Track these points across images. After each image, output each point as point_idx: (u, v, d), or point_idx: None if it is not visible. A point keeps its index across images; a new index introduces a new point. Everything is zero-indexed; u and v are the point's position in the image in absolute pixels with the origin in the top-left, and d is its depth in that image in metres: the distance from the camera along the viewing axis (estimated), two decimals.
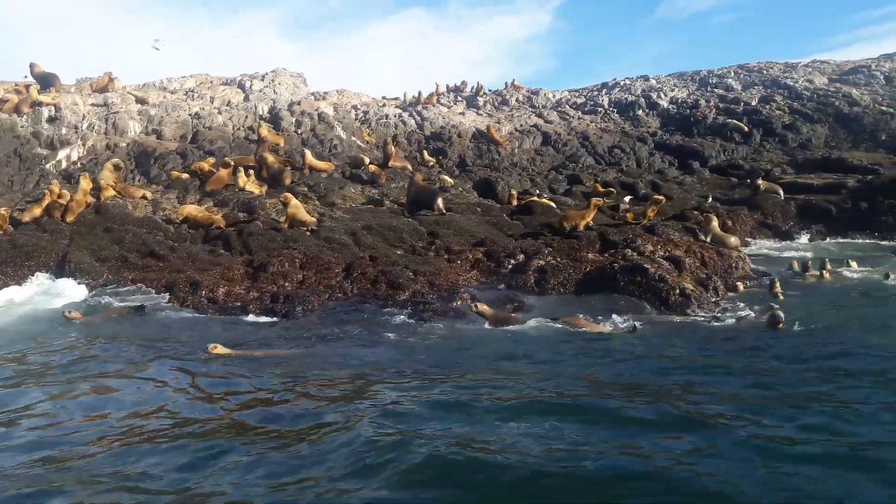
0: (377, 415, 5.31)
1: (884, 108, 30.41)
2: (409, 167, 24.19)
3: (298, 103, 28.47)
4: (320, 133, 26.30)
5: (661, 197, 19.98)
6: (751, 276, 13.34)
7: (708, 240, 15.76)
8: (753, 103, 32.78)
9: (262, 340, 9.29)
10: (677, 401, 5.63)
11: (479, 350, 8.27)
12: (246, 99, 28.88)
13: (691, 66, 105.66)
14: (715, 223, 16.52)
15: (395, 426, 4.99)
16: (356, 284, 12.22)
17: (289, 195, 16.09)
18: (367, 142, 27.54)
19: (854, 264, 14.47)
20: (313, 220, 15.53)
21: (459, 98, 38.80)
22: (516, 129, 32.85)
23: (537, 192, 24.11)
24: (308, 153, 21.53)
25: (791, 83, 34.17)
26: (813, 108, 31.50)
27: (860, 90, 32.46)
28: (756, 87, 34.69)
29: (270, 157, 20.79)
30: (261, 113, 27.45)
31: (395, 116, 33.35)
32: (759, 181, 23.56)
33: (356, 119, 32.53)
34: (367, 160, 21.78)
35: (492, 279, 12.94)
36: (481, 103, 37.60)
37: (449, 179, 23.71)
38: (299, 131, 26.28)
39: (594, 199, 16.15)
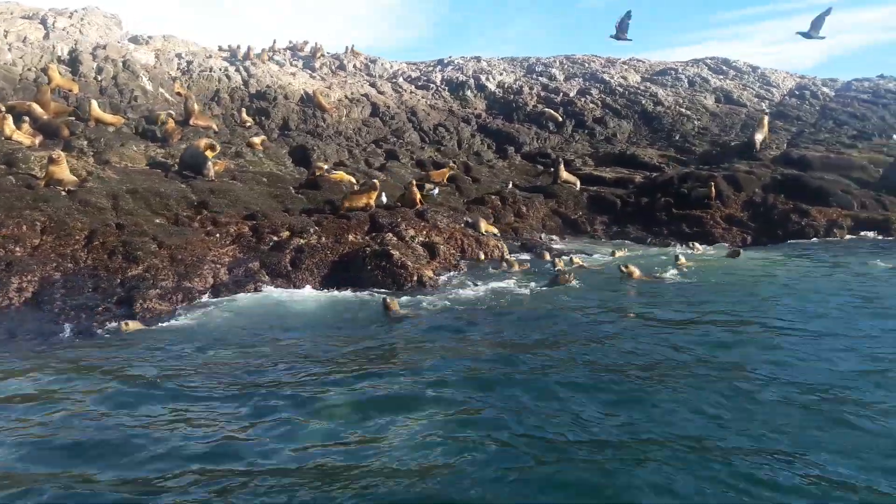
0: None
1: (683, 109, 32.88)
2: (215, 126, 23.06)
3: (104, 47, 26.21)
4: (123, 82, 24.39)
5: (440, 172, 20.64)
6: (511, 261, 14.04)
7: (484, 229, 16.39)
8: (571, 94, 34.29)
9: None
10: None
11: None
12: (46, 37, 26.18)
13: (564, 49, 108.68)
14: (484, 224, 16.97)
15: None
16: (93, 254, 11.48)
17: (59, 153, 14.78)
18: (180, 95, 25.95)
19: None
20: (74, 179, 14.36)
21: (297, 57, 37.57)
22: (346, 97, 32.28)
23: (350, 164, 23.98)
24: (94, 103, 19.83)
25: (608, 78, 36.06)
26: (623, 105, 33.47)
27: (666, 91, 34.91)
28: (577, 79, 36.30)
29: (51, 105, 19.01)
30: (59, 54, 24.96)
31: (220, 70, 31.66)
32: (561, 171, 24.77)
33: (178, 69, 30.55)
34: (162, 116, 20.46)
35: (249, 255, 12.63)
36: (317, 66, 36.58)
37: (257, 142, 22.90)
38: (99, 78, 24.22)
39: (374, 182, 16.22)
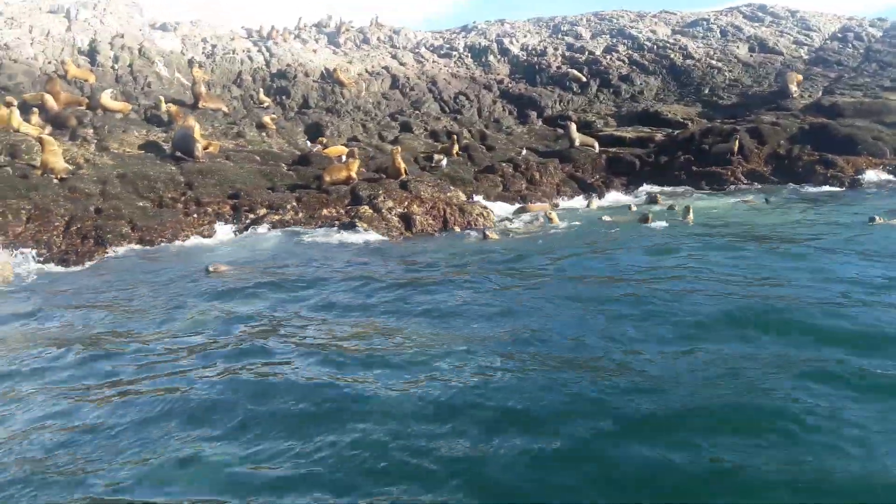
0: None
1: (713, 61, 31.18)
2: (224, 108, 23.15)
3: (122, 36, 26.63)
4: (138, 69, 24.74)
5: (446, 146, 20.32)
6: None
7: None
8: (597, 53, 32.94)
9: None
10: None
11: None
12: (68, 29, 26.78)
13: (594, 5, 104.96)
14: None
15: None
16: (67, 239, 11.69)
17: (47, 138, 15.07)
18: (201, 79, 26.18)
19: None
20: (65, 167, 14.63)
21: (321, 34, 37.41)
22: (367, 71, 31.95)
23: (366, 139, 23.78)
24: (106, 93, 20.14)
25: (636, 34, 34.47)
26: (651, 60, 31.97)
27: (696, 43, 33.18)
28: (603, 37, 34.85)
29: (62, 96, 19.43)
30: (79, 45, 25.50)
31: (243, 52, 31.74)
32: (573, 132, 23.91)
33: (203, 53, 30.85)
34: (162, 100, 20.65)
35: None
36: (342, 41, 36.35)
37: (268, 121, 22.91)
38: (116, 67, 24.65)
39: (352, 150, 15.97)
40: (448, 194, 14.97)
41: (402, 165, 16.51)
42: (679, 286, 7.37)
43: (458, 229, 13.65)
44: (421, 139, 24.38)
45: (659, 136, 24.11)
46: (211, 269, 9.52)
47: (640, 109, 27.37)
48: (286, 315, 7.17)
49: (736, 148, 20.98)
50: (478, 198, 18.15)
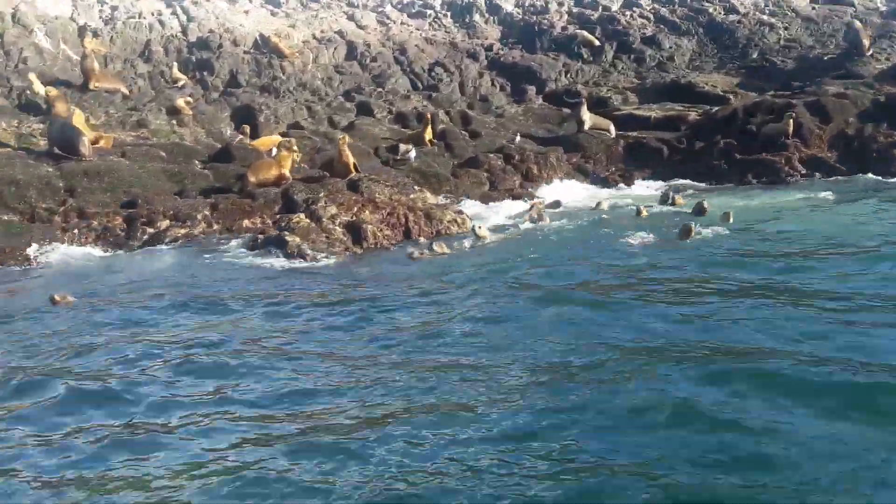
0: None
1: (764, 16, 31.52)
2: (124, 89, 23.18)
3: None
4: (11, 41, 24.76)
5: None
6: None
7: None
8: (614, 8, 33.22)
9: None
10: None
11: None
12: None
13: None
14: None
15: None
16: None
17: None
18: (93, 52, 26.24)
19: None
20: None
21: None
22: (314, 37, 32.07)
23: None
24: None
25: None
26: (683, 17, 32.22)
27: None
28: None
29: None
30: None
31: (152, 15, 31.67)
32: (584, 113, 24.07)
33: (101, 18, 30.90)
34: (35, 80, 20.51)
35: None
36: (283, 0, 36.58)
37: (182, 104, 22.94)
38: None
39: (284, 141, 16.06)
40: (411, 196, 15.13)
41: (351, 160, 16.59)
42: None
43: (423, 240, 13.75)
44: (384, 124, 24.50)
45: (693, 116, 24.27)
46: (57, 297, 9.95)
47: (669, 81, 27.51)
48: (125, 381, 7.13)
49: (791, 129, 21.17)
50: (464, 200, 18.30)
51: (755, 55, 29.35)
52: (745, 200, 17.98)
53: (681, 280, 10.16)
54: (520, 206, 18.11)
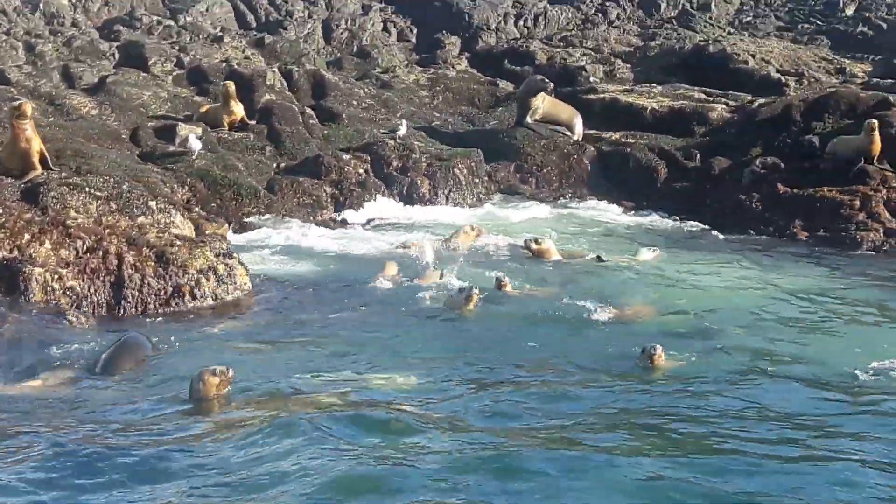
0: None
1: None
2: None
3: None
4: None
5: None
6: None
7: None
8: None
9: None
10: None
11: None
12: None
13: None
14: None
15: None
16: None
17: None
18: None
19: None
20: None
21: None
22: None
23: None
24: None
25: None
26: None
27: None
28: None
29: None
30: None
31: None
32: (533, 100, 17.74)
33: None
34: None
35: None
36: None
37: None
38: None
39: None
40: (140, 220, 11.57)
41: (37, 147, 12.59)
42: None
43: (151, 301, 10.57)
44: (166, 85, 18.62)
45: (718, 110, 17.82)
46: None
47: (691, 47, 20.82)
48: None
49: (877, 145, 14.81)
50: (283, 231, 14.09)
51: (850, 12, 23.09)
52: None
53: None
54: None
